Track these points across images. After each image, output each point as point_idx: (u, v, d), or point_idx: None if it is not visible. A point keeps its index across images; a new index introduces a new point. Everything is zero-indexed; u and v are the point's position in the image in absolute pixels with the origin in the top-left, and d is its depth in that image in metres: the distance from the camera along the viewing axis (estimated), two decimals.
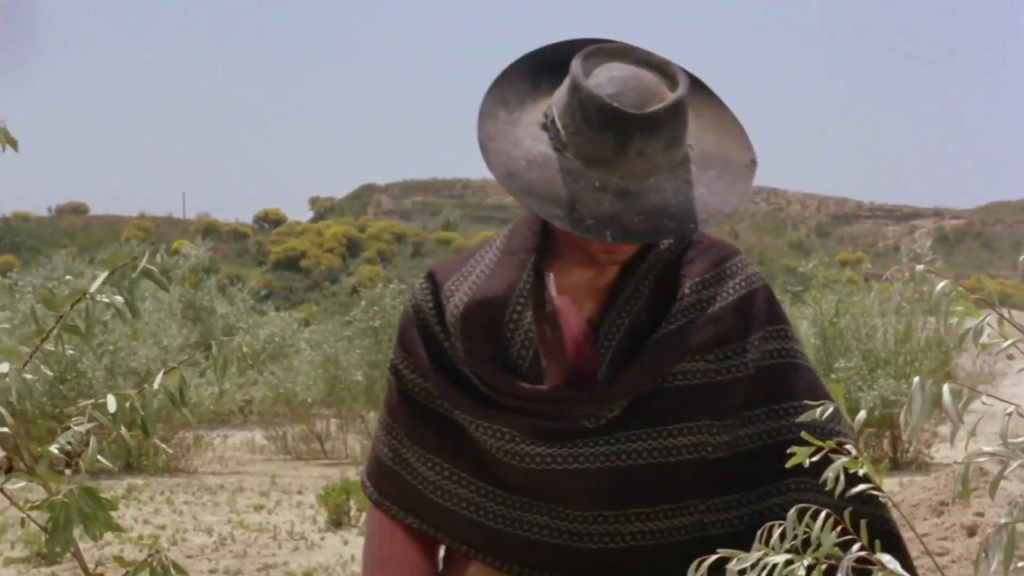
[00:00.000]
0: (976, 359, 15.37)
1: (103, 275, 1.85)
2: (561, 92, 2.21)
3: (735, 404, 2.29)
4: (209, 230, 55.84)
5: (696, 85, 2.25)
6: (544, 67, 2.28)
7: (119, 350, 17.62)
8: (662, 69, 2.20)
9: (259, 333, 24.62)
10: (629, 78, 2.17)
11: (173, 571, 1.92)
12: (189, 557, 10.95)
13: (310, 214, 73.68)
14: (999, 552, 1.57)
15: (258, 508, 14.00)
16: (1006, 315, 1.57)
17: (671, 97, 2.15)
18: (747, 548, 2.18)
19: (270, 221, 63.46)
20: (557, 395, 2.24)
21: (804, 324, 18.24)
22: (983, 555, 1.59)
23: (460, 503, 2.32)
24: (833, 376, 16.84)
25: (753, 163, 2.26)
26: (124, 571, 2.16)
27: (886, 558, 1.66)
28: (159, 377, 2.09)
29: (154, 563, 1.91)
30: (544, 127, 2.22)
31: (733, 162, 2.25)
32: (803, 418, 2.26)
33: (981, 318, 1.52)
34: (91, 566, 2.18)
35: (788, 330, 2.37)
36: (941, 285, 1.52)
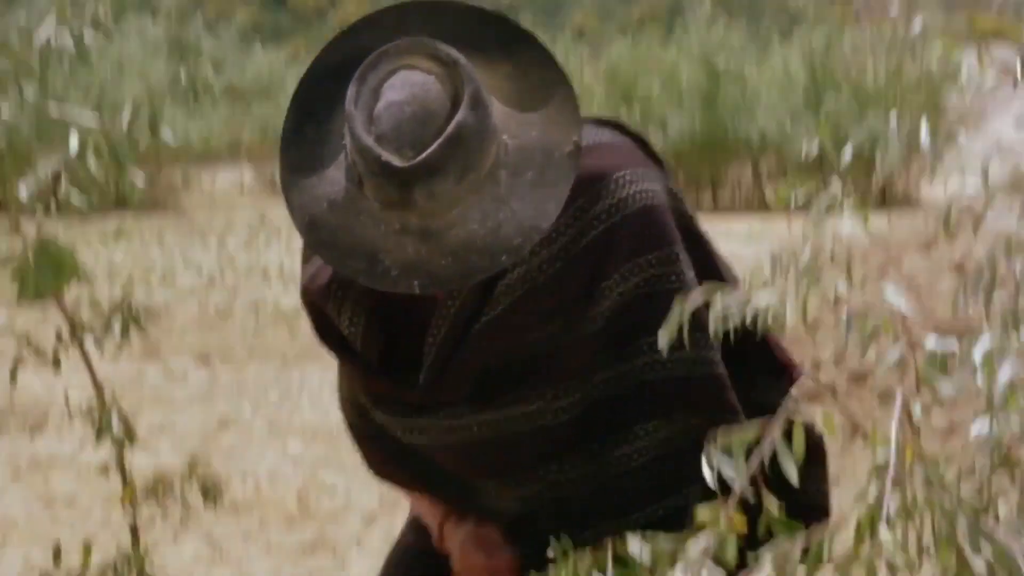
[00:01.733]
0: (964, 96, 15.27)
1: (51, 21, 1.84)
2: None
3: (582, 362, 2.07)
4: None
5: (515, 39, 1.96)
6: (352, 58, 1.92)
7: (105, 85, 17.50)
8: (453, 68, 1.87)
9: (245, 70, 24.43)
10: (407, 102, 1.85)
11: (142, 319, 1.94)
12: (178, 298, 11.05)
13: None
14: (981, 292, 1.56)
15: (247, 246, 14.10)
16: (985, 51, 1.51)
17: (447, 130, 1.83)
18: (605, 505, 2.11)
19: None
20: (385, 386, 2.15)
21: (794, 60, 18.15)
22: (964, 289, 1.58)
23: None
24: (822, 111, 16.84)
25: (576, 148, 1.93)
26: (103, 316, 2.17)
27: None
28: (128, 106, 2.06)
29: (124, 311, 1.91)
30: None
31: (554, 152, 1.92)
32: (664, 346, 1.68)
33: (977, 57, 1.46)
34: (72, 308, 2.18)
35: (667, 254, 2.05)
36: (917, 21, 1.46)
